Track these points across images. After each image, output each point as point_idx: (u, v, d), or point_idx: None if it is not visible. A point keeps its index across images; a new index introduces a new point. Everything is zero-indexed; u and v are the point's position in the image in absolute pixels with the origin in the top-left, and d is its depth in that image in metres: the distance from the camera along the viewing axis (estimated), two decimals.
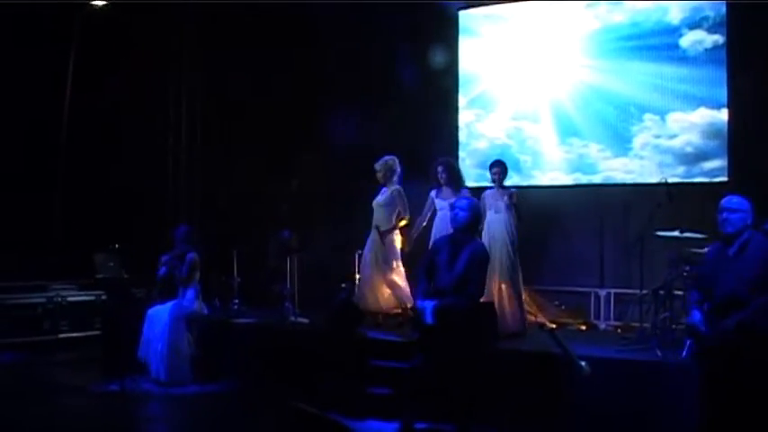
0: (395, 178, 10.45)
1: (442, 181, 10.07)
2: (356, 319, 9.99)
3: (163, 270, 10.47)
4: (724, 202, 6.49)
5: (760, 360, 6.08)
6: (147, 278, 10.74)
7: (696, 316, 6.44)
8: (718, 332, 6.22)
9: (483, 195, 9.95)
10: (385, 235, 10.31)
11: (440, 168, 10.11)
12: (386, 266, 10.32)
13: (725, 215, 6.42)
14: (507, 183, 10.20)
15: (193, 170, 13.99)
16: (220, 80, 13.62)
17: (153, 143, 13.83)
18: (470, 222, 7.81)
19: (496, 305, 9.40)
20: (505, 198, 9.86)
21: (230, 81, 13.48)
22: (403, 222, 10.39)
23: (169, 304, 10.24)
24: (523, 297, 9.99)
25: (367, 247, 10.47)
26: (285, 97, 13.24)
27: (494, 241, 9.73)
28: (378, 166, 10.49)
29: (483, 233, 9.66)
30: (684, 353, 7.87)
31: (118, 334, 10.38)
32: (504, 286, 9.71)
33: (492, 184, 10.11)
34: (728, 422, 6.12)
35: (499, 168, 10.01)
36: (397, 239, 10.49)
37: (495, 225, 9.83)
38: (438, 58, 12.65)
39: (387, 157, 10.51)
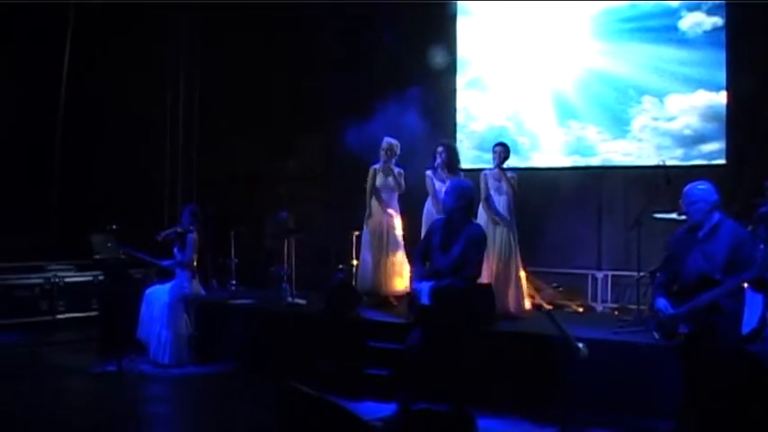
0: (394, 159, 10.48)
1: (439, 161, 10.04)
2: (353, 301, 10.00)
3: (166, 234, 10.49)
4: (684, 193, 6.58)
5: (726, 339, 6.31)
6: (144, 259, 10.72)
7: (661, 302, 6.58)
8: (687, 311, 6.38)
9: (484, 174, 9.91)
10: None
11: (440, 149, 10.10)
12: (392, 248, 10.42)
13: (684, 209, 6.57)
14: (505, 165, 10.09)
15: (190, 151, 13.98)
16: (218, 61, 13.56)
17: (150, 123, 13.81)
18: (456, 206, 7.76)
19: (495, 287, 9.39)
20: (506, 180, 9.80)
21: (228, 62, 13.41)
22: None
23: (168, 285, 10.25)
24: (523, 278, 9.94)
25: (368, 232, 10.50)
26: (284, 78, 13.24)
27: (495, 222, 9.72)
28: (384, 145, 10.47)
29: (480, 213, 9.70)
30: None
31: (115, 315, 10.36)
32: (504, 268, 9.66)
33: (491, 165, 10.03)
34: (702, 398, 6.32)
35: (502, 149, 9.93)
36: (399, 223, 10.55)
37: (499, 206, 9.78)
38: (435, 39, 12.65)
39: (389, 139, 10.51)
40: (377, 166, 10.47)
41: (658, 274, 6.99)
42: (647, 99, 11.40)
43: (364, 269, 10.51)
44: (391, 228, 10.47)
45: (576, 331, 7.32)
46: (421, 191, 10.26)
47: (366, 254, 10.49)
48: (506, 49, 12.48)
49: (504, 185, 9.79)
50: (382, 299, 10.37)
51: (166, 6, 13.42)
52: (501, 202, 9.78)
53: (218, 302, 10.95)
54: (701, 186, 6.54)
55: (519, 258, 9.80)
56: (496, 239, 9.64)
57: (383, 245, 10.40)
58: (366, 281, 10.46)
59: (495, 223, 9.70)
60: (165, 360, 9.98)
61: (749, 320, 7.17)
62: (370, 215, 10.46)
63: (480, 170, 10.16)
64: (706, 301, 6.29)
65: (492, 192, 9.82)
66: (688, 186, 6.59)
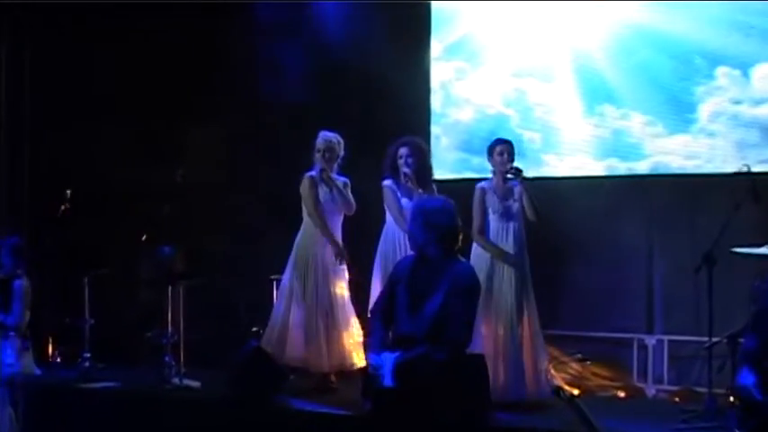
0: (336, 165, 10.63)
1: (405, 170, 10.09)
2: (274, 382, 9.97)
3: None
4: None
5: None
6: None
7: (747, 378, 6.77)
8: None
9: (480, 189, 10.00)
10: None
11: (404, 150, 10.18)
12: (333, 304, 10.45)
13: None
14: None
15: (20, 152, 13.93)
16: (63, 31, 13.59)
17: None
18: (428, 237, 7.98)
19: (495, 360, 9.43)
20: (515, 192, 9.89)
21: (78, 33, 13.52)
22: None
23: None
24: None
25: (295, 275, 10.53)
26: (168, 48, 13.26)
27: (496, 261, 9.74)
28: (320, 144, 10.54)
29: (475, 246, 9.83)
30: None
31: None
32: (519, 332, 9.71)
33: (490, 175, 10.10)
34: None
35: (507, 147, 9.99)
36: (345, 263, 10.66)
37: (507, 238, 9.90)
38: None
39: (329, 134, 10.61)
40: (313, 174, 10.51)
41: (743, 340, 7.14)
42: (722, 72, 11.30)
43: (292, 333, 10.46)
44: (334, 271, 10.49)
45: (613, 427, 7.28)
46: (374, 209, 10.32)
47: (296, 310, 10.48)
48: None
49: (515, 205, 9.86)
50: (319, 379, 10.37)
51: None
52: (507, 231, 9.85)
53: (62, 387, 10.84)
54: None
55: (535, 316, 9.86)
56: (497, 287, 9.66)
57: (322, 296, 10.39)
58: (295, 350, 10.41)
59: (496, 263, 9.73)
60: None
61: None
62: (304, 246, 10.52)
63: (466, 182, 10.13)
64: None
65: (492, 215, 9.88)
66: None
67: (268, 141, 12.35)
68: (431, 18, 12.75)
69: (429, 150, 10.55)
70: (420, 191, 9.93)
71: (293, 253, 10.56)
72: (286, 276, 10.59)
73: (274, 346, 10.41)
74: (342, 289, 10.50)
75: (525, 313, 9.76)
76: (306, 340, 10.36)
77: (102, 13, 13.21)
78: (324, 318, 10.35)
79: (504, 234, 9.81)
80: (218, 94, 12.98)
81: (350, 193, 10.55)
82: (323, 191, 10.47)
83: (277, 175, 11.31)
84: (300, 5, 12.46)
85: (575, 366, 10.95)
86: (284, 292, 10.52)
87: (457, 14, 12.69)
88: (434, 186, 10.16)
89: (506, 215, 9.83)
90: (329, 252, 10.47)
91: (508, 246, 9.79)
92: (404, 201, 10.06)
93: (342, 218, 10.59)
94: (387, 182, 10.21)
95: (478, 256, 9.71)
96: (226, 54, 12.90)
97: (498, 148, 9.96)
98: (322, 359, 10.30)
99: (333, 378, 10.39)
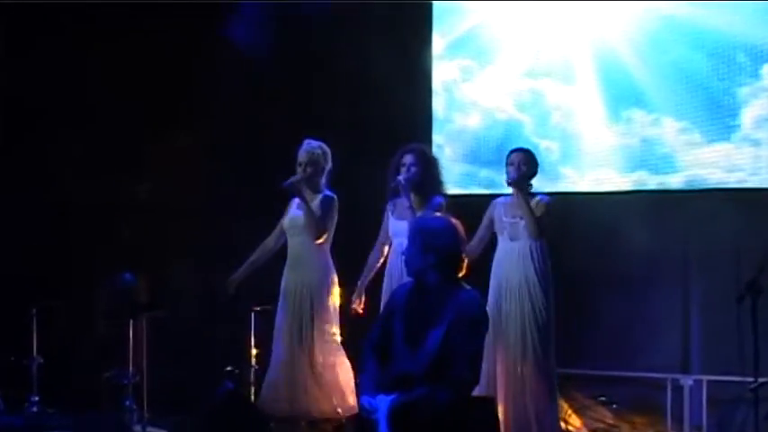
0: (323, 179, 10.41)
1: (400, 177, 9.95)
2: (251, 429, 9.80)
3: None
4: None
5: None
6: None
7: None
8: None
9: (492, 204, 10.03)
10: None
11: (409, 158, 10.01)
12: (317, 341, 10.28)
13: None
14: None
15: None
16: (21, 32, 13.48)
17: None
18: (427, 262, 7.59)
19: (504, 402, 9.47)
20: (526, 212, 9.73)
21: (36, 33, 13.38)
22: None
23: None
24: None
25: (280, 308, 10.42)
26: (139, 46, 13.13)
27: (507, 289, 9.74)
28: (302, 156, 10.35)
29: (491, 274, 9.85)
30: None
31: None
32: (521, 371, 9.65)
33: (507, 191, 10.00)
34: None
35: (516, 156, 9.89)
36: (335, 293, 10.49)
37: (511, 261, 9.82)
38: None
39: (313, 144, 10.42)
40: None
41: None
42: None
43: (273, 374, 10.37)
44: (317, 303, 10.30)
45: None
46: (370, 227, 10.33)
47: (277, 348, 10.39)
48: None
49: (522, 223, 9.73)
50: (309, 426, 10.27)
51: None
52: (517, 252, 9.79)
53: None
54: None
55: (552, 354, 9.72)
56: (506, 321, 9.64)
57: (303, 333, 10.24)
58: (276, 394, 10.26)
59: (509, 288, 9.68)
60: None
61: None
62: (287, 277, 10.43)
63: (472, 198, 10.07)
64: None
65: (501, 236, 9.84)
66: None
67: (250, 151, 12.25)
68: (432, 10, 12.70)
69: (438, 162, 10.30)
70: (414, 204, 9.78)
71: (281, 283, 10.44)
72: (279, 311, 10.43)
73: (269, 390, 10.34)
74: (331, 325, 10.32)
75: (531, 349, 9.62)
76: (298, 382, 10.18)
77: (64, 14, 13.15)
78: (317, 357, 10.19)
79: (510, 256, 9.76)
80: (193, 97, 12.95)
81: (322, 210, 10.22)
82: (290, 212, 10.39)
83: (261, 189, 11.14)
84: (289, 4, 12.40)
85: (599, 411, 10.86)
86: (278, 327, 10.36)
87: (462, 5, 12.65)
88: (444, 202, 9.85)
89: (511, 235, 9.75)
90: (317, 281, 10.29)
91: (512, 269, 9.69)
92: (392, 221, 9.99)
93: (312, 240, 10.25)
94: (388, 205, 10.13)
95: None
96: (205, 53, 12.82)
97: (509, 158, 9.90)
98: (306, 403, 10.15)
99: (325, 426, 10.28)
